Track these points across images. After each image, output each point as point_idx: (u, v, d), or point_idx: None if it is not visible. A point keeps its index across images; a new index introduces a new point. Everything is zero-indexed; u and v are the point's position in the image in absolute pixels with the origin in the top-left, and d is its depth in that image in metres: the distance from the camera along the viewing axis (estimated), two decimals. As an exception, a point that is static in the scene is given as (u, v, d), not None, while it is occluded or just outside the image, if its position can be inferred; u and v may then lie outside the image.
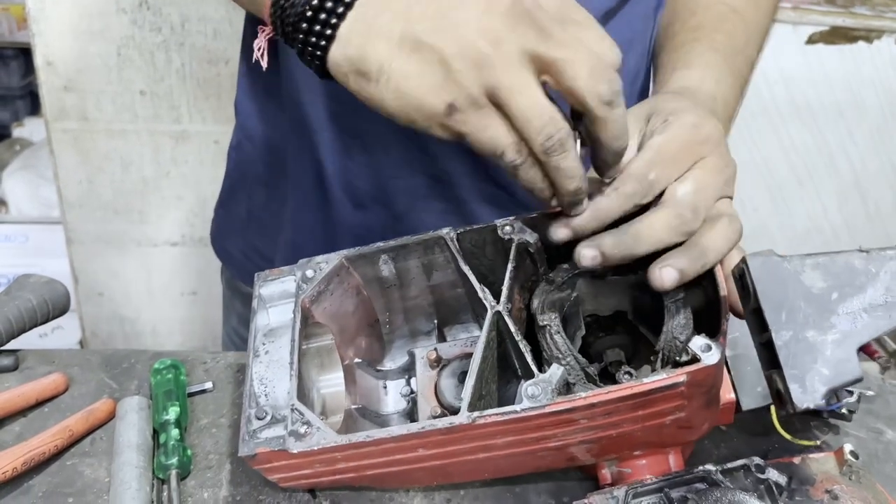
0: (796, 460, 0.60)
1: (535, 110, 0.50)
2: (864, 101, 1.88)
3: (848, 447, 0.59)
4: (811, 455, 0.60)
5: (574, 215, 0.57)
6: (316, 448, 0.53)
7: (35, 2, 1.61)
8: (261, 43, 0.59)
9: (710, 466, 0.57)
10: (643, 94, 0.89)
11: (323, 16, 0.52)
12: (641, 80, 0.87)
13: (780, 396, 0.52)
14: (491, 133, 0.52)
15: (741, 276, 0.55)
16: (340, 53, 0.52)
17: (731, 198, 0.59)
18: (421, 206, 0.83)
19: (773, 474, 0.57)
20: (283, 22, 0.54)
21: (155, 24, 1.65)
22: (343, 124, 0.80)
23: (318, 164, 0.83)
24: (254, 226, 0.97)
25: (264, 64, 0.60)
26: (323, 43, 0.53)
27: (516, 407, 0.51)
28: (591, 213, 0.56)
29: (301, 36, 0.53)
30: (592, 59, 0.50)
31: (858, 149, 1.95)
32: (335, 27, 0.52)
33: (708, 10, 0.77)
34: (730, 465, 0.57)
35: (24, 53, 2.64)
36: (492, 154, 0.53)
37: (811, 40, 1.79)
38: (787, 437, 0.66)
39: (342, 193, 0.84)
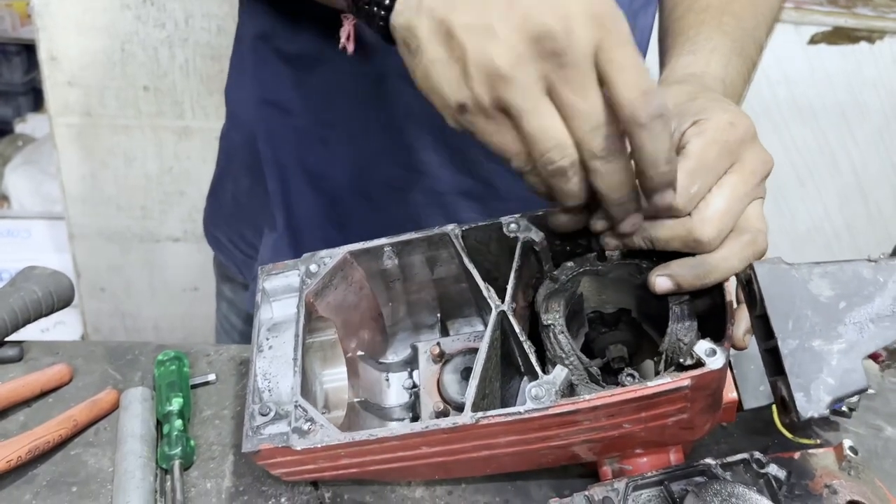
0: (796, 455, 0.60)
1: (542, 133, 0.50)
2: (866, 101, 1.88)
3: (847, 443, 0.59)
4: (811, 450, 0.61)
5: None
6: (319, 445, 0.54)
7: (39, -3, 1.62)
8: (348, 29, 0.62)
9: (710, 460, 0.57)
10: None
11: None
12: None
13: (785, 404, 0.51)
14: (498, 139, 0.52)
15: (748, 283, 0.54)
16: (394, 21, 0.53)
17: (762, 198, 0.57)
18: (398, 198, 0.83)
19: (772, 468, 0.57)
20: None
21: (159, 20, 1.66)
22: (320, 114, 0.80)
23: (295, 153, 0.83)
24: (238, 212, 0.97)
25: (350, 48, 0.63)
26: (383, 13, 0.54)
27: (520, 408, 0.51)
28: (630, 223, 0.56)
29: (366, 6, 0.55)
30: (595, 118, 0.49)
31: (860, 149, 1.95)
32: None
33: None
34: (730, 459, 0.58)
35: (27, 49, 2.65)
36: (499, 156, 0.53)
37: (813, 41, 1.79)
38: (789, 435, 0.66)
39: (319, 182, 0.85)
